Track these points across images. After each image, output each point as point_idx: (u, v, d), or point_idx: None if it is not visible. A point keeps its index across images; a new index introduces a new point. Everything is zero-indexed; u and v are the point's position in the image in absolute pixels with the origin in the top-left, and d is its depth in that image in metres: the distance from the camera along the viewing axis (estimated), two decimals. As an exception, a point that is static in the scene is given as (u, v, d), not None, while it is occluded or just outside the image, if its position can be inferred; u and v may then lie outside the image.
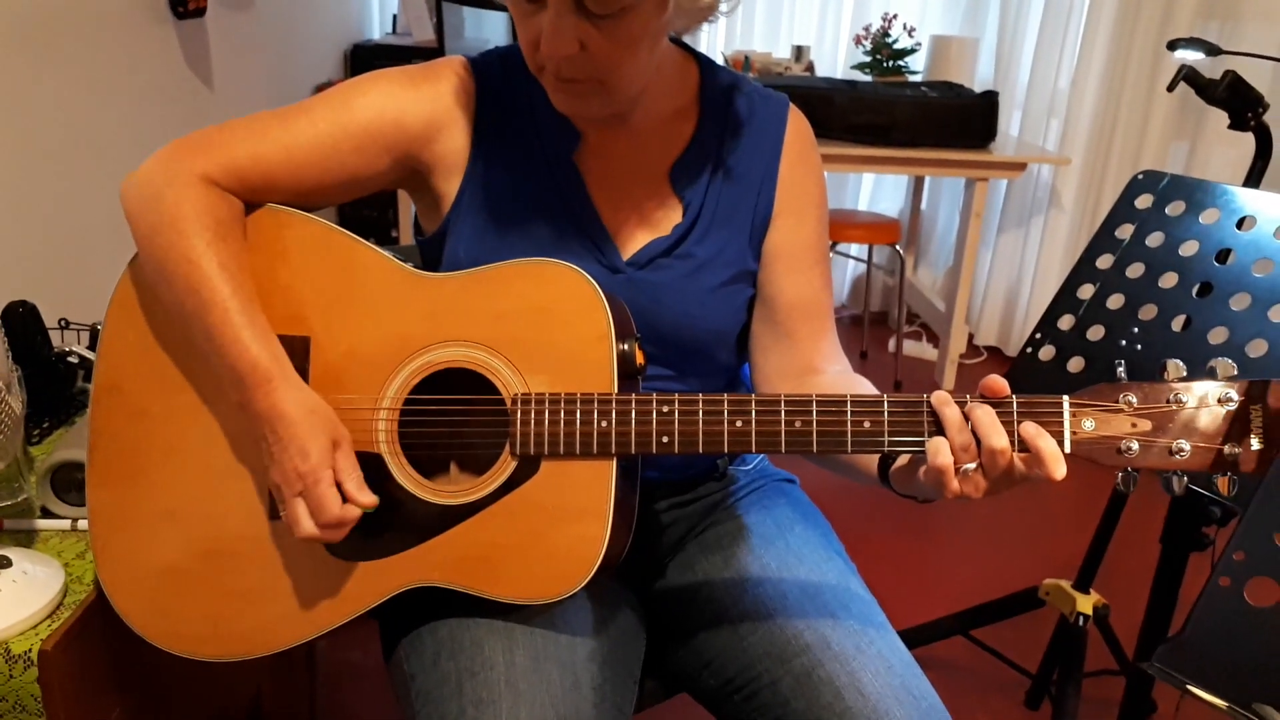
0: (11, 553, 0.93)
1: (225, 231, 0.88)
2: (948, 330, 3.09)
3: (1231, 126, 1.59)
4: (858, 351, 3.57)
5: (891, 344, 3.51)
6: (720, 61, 1.05)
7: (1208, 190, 1.24)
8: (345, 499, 0.84)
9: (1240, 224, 1.20)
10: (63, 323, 1.34)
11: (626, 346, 0.86)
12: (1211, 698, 0.89)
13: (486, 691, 0.83)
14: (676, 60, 1.00)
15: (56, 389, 1.23)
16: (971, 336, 3.69)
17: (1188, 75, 1.59)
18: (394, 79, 0.96)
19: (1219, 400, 0.75)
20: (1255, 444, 0.74)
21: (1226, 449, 0.75)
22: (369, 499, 0.85)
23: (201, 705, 1.20)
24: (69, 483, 1.03)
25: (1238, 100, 1.55)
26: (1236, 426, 0.75)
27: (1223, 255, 1.20)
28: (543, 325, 0.87)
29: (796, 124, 1.03)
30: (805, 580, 1.00)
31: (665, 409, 0.84)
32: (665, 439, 0.84)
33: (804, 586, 0.99)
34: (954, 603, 1.86)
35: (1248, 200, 1.21)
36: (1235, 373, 0.76)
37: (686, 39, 1.03)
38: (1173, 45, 1.84)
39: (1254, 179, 1.58)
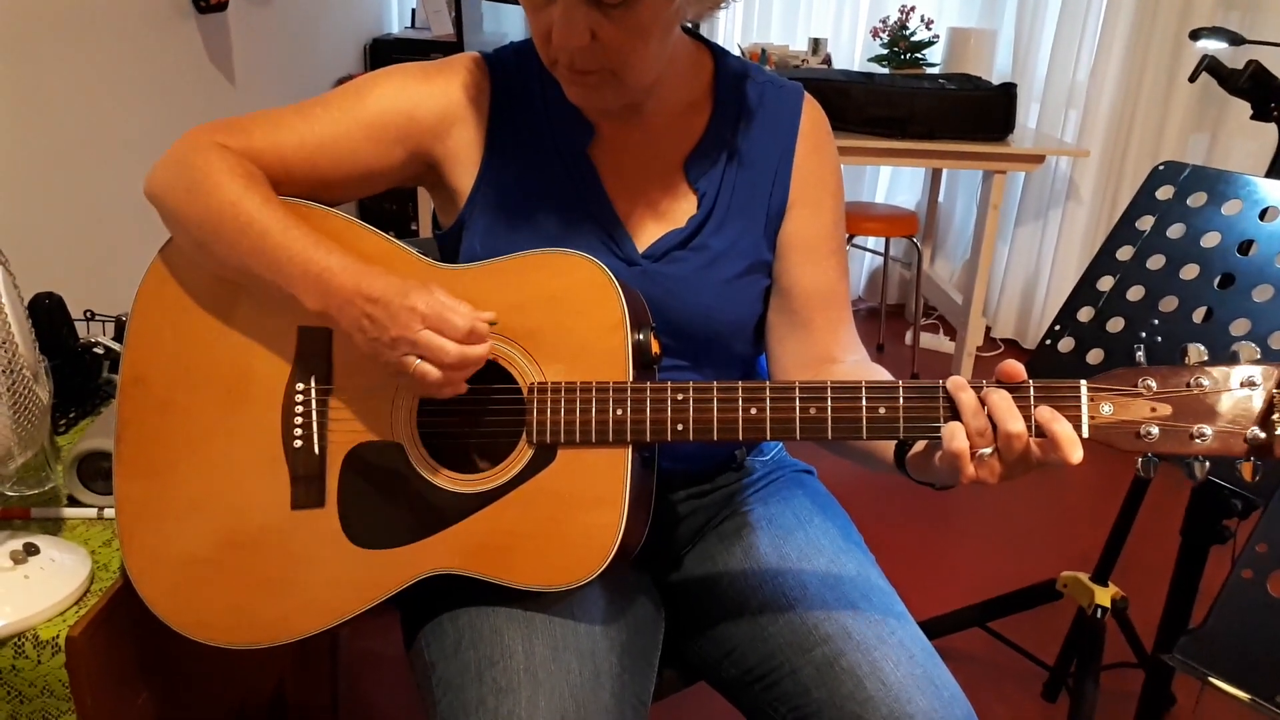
0: (39, 540, 0.95)
1: (257, 182, 0.90)
2: (965, 323, 3.07)
3: (1254, 117, 1.58)
4: (874, 344, 3.56)
5: (908, 337, 3.50)
6: (736, 54, 1.05)
7: (1230, 181, 1.23)
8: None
9: (1263, 215, 1.19)
10: (88, 314, 1.35)
11: (641, 335, 0.87)
12: (1233, 690, 0.89)
13: (506, 680, 0.84)
14: (690, 51, 1.00)
15: (82, 379, 1.25)
16: (989, 329, 3.67)
17: (1210, 65, 1.58)
18: (408, 73, 0.97)
19: (1242, 384, 0.74)
20: (1282, 429, 0.73)
21: (1252, 434, 0.74)
22: (488, 313, 0.85)
23: (225, 692, 1.22)
24: (95, 471, 1.05)
25: (1260, 90, 1.54)
26: (1262, 411, 0.74)
27: (1245, 246, 1.19)
28: (558, 315, 0.88)
29: (812, 113, 1.03)
30: (825, 571, 1.00)
31: (680, 397, 0.84)
32: (680, 427, 0.84)
33: (824, 577, 1.00)
34: (972, 594, 1.86)
35: (1271, 191, 1.20)
36: (1259, 356, 0.74)
37: (702, 29, 1.03)
38: (1195, 35, 1.82)
39: (1277, 170, 1.57)
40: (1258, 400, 0.74)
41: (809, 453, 1.11)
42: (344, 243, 0.92)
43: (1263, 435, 0.73)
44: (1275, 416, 0.73)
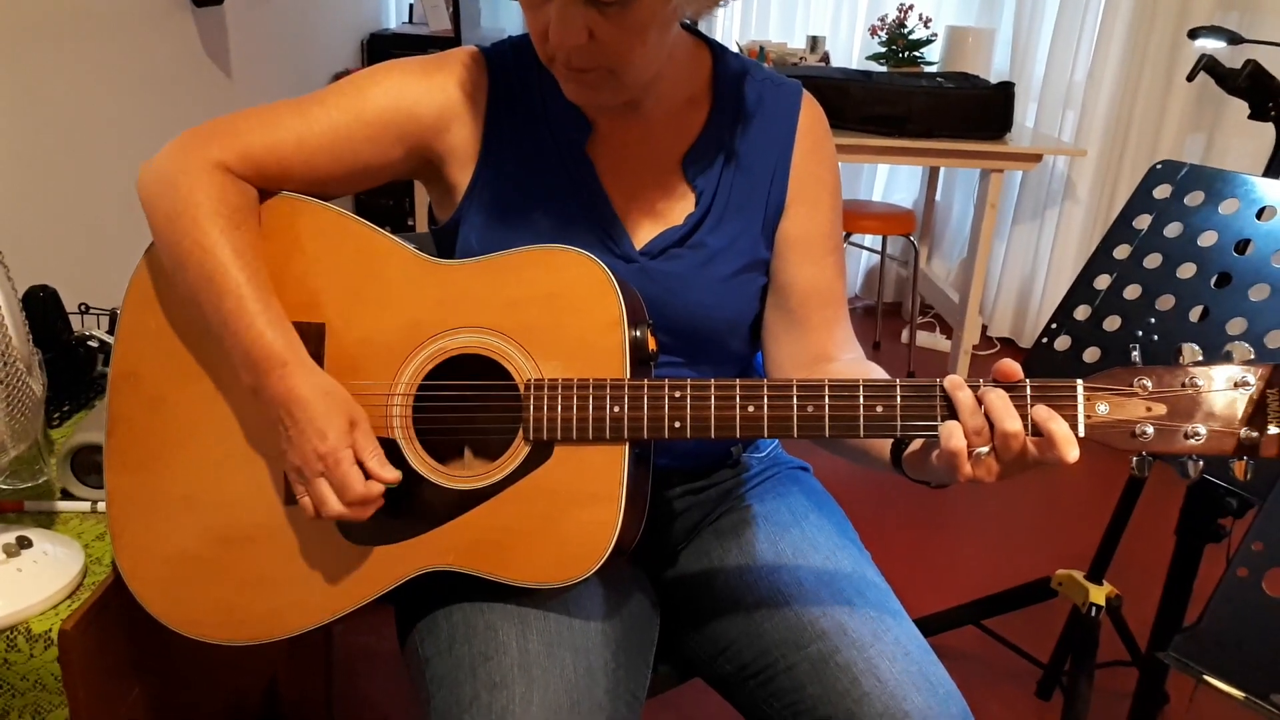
0: (32, 533, 0.94)
1: (240, 219, 0.89)
2: (961, 321, 3.07)
3: (1252, 117, 1.58)
4: (871, 342, 3.56)
5: (905, 335, 3.50)
6: (735, 51, 1.05)
7: (1227, 180, 1.23)
8: (368, 477, 0.84)
9: (1260, 214, 1.19)
10: (83, 307, 1.35)
11: (639, 332, 0.87)
12: (1228, 688, 0.89)
13: (500, 676, 0.84)
14: (689, 48, 0.99)
15: (76, 372, 1.25)
16: (985, 328, 3.67)
17: (1208, 64, 1.58)
18: (407, 69, 0.97)
19: (1236, 384, 0.75)
20: (1275, 429, 0.73)
21: (1244, 433, 0.74)
22: (392, 474, 0.85)
23: (218, 688, 1.21)
24: (89, 465, 1.04)
25: (1258, 90, 1.54)
26: (1254, 411, 0.74)
27: (1242, 246, 1.19)
28: (555, 311, 0.88)
29: (810, 111, 1.02)
30: (821, 567, 1.00)
31: (677, 394, 0.84)
32: (677, 424, 0.84)
33: (819, 573, 1.00)
34: (966, 592, 1.86)
35: (1268, 190, 1.20)
36: (1252, 356, 0.75)
37: (701, 26, 1.03)
38: (1194, 34, 1.83)
39: (1274, 169, 1.57)
40: (1249, 400, 0.74)
41: (804, 450, 1.11)
42: (340, 239, 0.92)
43: (1254, 434, 0.74)
44: (1266, 416, 0.73)
